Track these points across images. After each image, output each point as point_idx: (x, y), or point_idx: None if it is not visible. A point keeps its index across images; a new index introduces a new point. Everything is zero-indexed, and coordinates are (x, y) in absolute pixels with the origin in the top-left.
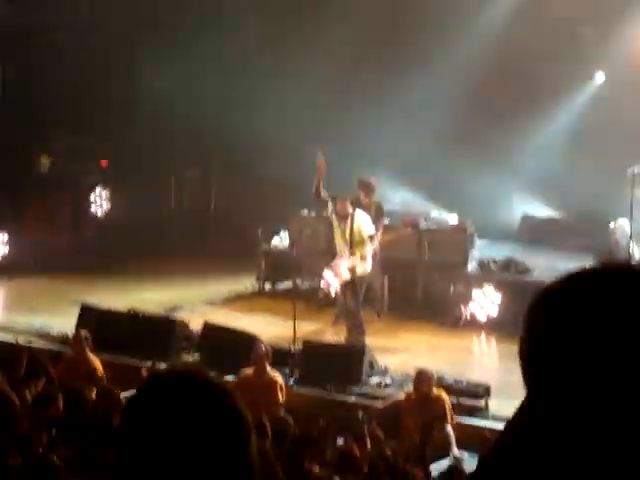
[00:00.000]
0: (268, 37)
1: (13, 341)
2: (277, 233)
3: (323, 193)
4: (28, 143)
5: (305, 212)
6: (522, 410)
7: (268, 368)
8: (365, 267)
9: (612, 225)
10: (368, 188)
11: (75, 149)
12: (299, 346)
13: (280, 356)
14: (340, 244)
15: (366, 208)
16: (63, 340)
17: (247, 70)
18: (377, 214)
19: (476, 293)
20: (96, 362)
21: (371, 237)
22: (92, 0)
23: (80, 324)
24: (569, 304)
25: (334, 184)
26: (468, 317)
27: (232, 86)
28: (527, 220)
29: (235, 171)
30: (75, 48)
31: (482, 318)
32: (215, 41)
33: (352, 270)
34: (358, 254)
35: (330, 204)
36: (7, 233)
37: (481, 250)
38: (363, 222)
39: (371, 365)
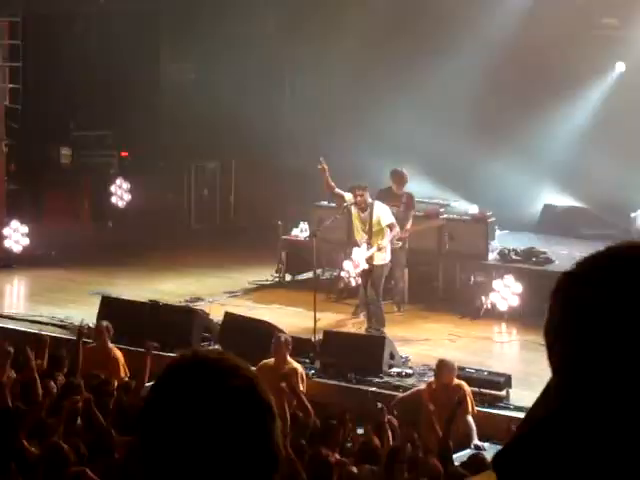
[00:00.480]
0: (287, 28)
1: (36, 331)
2: (297, 224)
3: (336, 190)
4: (48, 134)
5: (325, 203)
6: (547, 394)
7: (288, 358)
8: (384, 257)
9: (633, 215)
10: (401, 179)
11: (95, 140)
12: (320, 336)
13: (301, 346)
14: (359, 234)
15: (397, 199)
16: (85, 331)
17: (267, 64)
18: (408, 205)
19: (497, 283)
20: (117, 353)
21: (390, 226)
22: None
23: (101, 315)
24: (595, 280)
25: (352, 175)
26: (489, 307)
27: (251, 78)
28: (548, 210)
29: (255, 162)
30: (95, 40)
31: (503, 308)
32: (237, 34)
33: (371, 260)
34: (377, 244)
35: (348, 195)
36: (28, 225)
37: (502, 240)
38: (382, 212)
39: (392, 355)
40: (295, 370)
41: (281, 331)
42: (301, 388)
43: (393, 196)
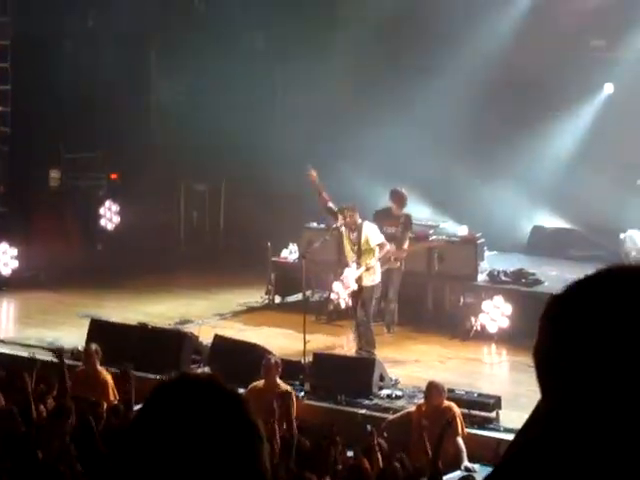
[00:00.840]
0: (279, 50)
1: (24, 354)
2: (286, 246)
3: (329, 204)
4: (38, 157)
5: (314, 224)
6: (536, 415)
7: (278, 380)
8: (373, 278)
9: (622, 236)
10: (401, 200)
11: (84, 163)
12: (310, 358)
13: (291, 368)
14: (349, 255)
15: (396, 219)
16: (74, 354)
17: (257, 83)
18: (405, 225)
19: (486, 305)
20: (107, 376)
21: (380, 245)
22: (103, 15)
23: (90, 338)
24: (584, 304)
25: (345, 197)
26: (478, 329)
27: (241, 98)
28: (537, 231)
29: (244, 184)
30: (84, 61)
31: (493, 330)
32: (226, 54)
33: (360, 281)
34: (365, 264)
35: (340, 215)
36: (17, 247)
37: (491, 262)
38: (370, 232)
39: (381, 377)
40: (285, 392)
41: (271, 353)
42: (291, 411)
43: (391, 216)
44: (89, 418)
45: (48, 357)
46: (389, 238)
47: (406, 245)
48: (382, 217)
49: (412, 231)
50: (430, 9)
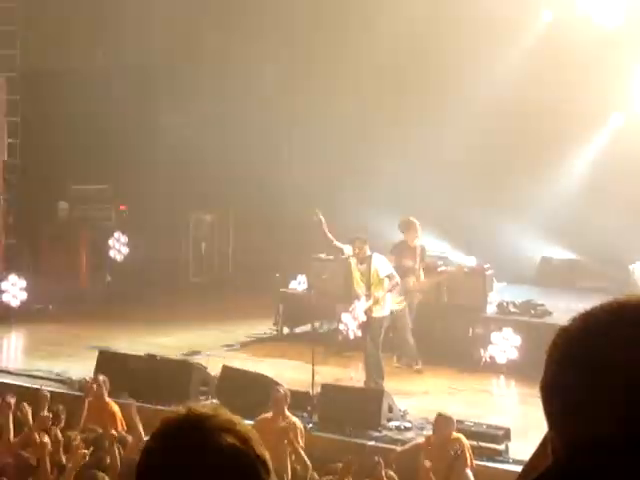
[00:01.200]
0: (288, 84)
1: (33, 386)
2: (295, 277)
3: (334, 242)
4: (46, 188)
5: (323, 255)
6: (544, 448)
7: (287, 412)
8: (383, 309)
9: (631, 268)
10: (414, 230)
11: (93, 194)
12: (318, 390)
13: (299, 400)
14: (358, 287)
15: (413, 251)
16: (82, 385)
17: (265, 116)
18: (421, 257)
19: (495, 336)
20: (114, 407)
21: (389, 277)
22: (112, 48)
23: (98, 369)
24: (588, 339)
25: (354, 229)
26: (488, 360)
27: (250, 130)
28: (546, 263)
29: (253, 215)
30: (92, 94)
31: (502, 361)
32: (232, 88)
33: (369, 312)
34: (375, 296)
35: (347, 248)
36: (26, 279)
37: (500, 293)
38: (380, 264)
39: (390, 409)
40: (293, 424)
41: (279, 385)
42: (300, 442)
43: (408, 249)
44: (100, 449)
45: (56, 388)
46: (408, 271)
47: (422, 277)
48: (399, 250)
49: (423, 262)
50: (439, 41)
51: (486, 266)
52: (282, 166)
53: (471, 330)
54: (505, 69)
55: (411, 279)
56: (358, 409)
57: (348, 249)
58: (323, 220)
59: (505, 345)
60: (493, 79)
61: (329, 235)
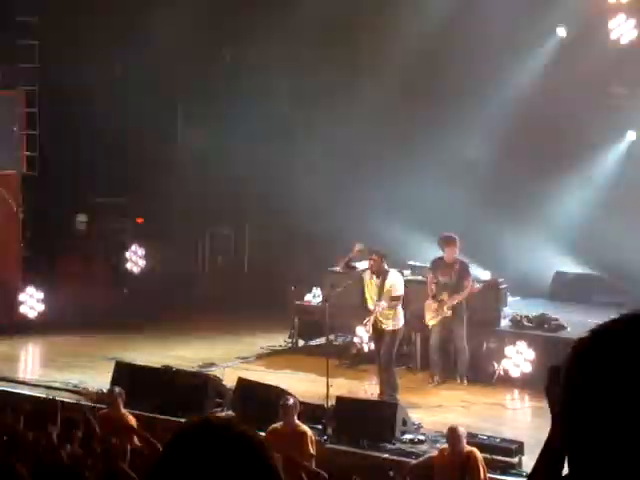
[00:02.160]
0: (300, 95)
1: (49, 397)
2: (310, 289)
3: (352, 264)
4: (64, 201)
5: (337, 268)
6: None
7: (297, 421)
8: (396, 322)
9: None
10: (451, 245)
11: (111, 207)
12: (333, 402)
13: (313, 412)
14: (371, 300)
15: (450, 267)
16: (99, 397)
17: (280, 126)
18: (460, 274)
19: (509, 350)
20: (131, 418)
21: (397, 298)
22: (131, 62)
23: (115, 381)
24: (598, 356)
25: (367, 238)
26: (502, 374)
27: (266, 142)
28: (560, 277)
29: (269, 228)
30: (112, 108)
31: (516, 375)
32: (248, 102)
33: (381, 325)
34: (382, 307)
35: (362, 264)
36: (43, 291)
37: (514, 307)
38: (396, 282)
39: (404, 422)
40: (304, 433)
41: (290, 394)
42: (311, 451)
43: (445, 265)
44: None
45: (72, 399)
46: (442, 287)
47: (464, 293)
48: (436, 266)
49: (472, 278)
50: (452, 57)
51: (500, 280)
52: (298, 179)
53: (485, 344)
54: (517, 85)
55: (444, 295)
56: (372, 422)
57: (363, 264)
58: (357, 251)
59: (519, 359)
60: (507, 94)
61: (351, 264)
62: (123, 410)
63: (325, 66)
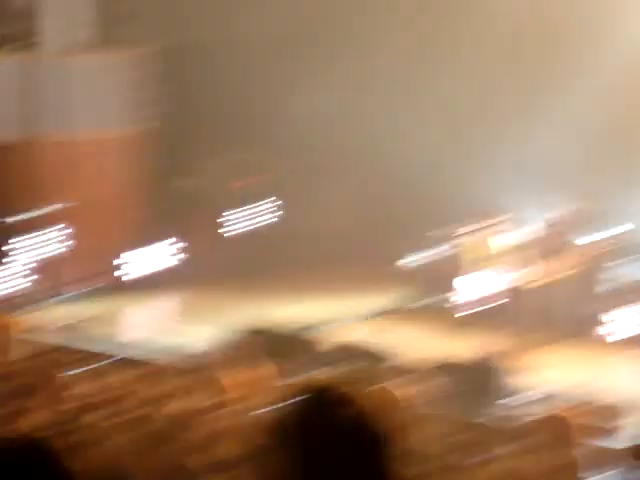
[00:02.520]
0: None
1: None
2: (415, 252)
3: None
4: (185, 159)
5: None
6: None
7: (389, 385)
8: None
9: None
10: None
11: (228, 165)
12: (439, 364)
13: (415, 374)
14: (480, 261)
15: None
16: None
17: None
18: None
19: (619, 311)
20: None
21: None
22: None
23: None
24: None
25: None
26: (610, 337)
27: (373, 105)
28: None
29: (376, 187)
30: (230, 69)
31: (623, 336)
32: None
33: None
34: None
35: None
36: (169, 245)
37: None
38: (497, 240)
39: (504, 385)
40: (395, 397)
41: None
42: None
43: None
44: None
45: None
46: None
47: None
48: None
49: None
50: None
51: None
52: (403, 138)
53: (594, 305)
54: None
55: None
56: (471, 385)
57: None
58: None
59: (630, 320)
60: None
61: None
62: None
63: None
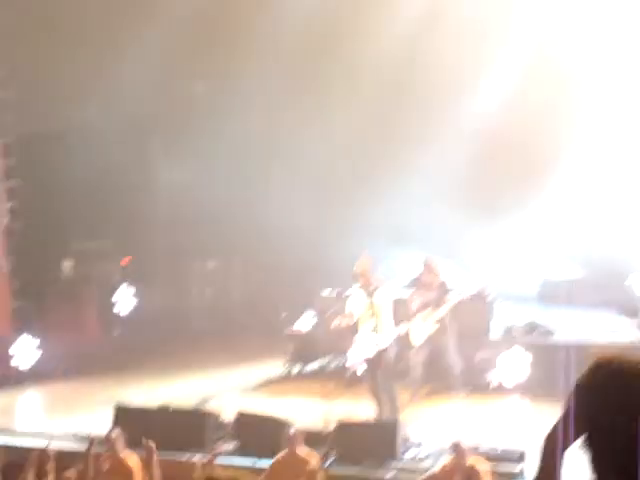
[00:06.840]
0: (273, 124)
1: (47, 445)
2: (301, 315)
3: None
4: (49, 249)
5: (327, 292)
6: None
7: (301, 448)
8: (388, 341)
9: (627, 283)
10: (429, 268)
11: (96, 251)
12: (333, 426)
13: (314, 438)
14: (364, 320)
15: (428, 286)
16: (99, 441)
17: (256, 157)
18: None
19: (502, 359)
20: (132, 460)
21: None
22: (104, 104)
23: (115, 424)
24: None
25: (350, 264)
26: (496, 384)
27: (243, 175)
28: (547, 281)
29: (254, 258)
30: (88, 152)
31: (510, 384)
32: (225, 131)
33: (377, 345)
34: (381, 329)
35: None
36: (36, 339)
37: (503, 315)
38: (385, 297)
39: (406, 439)
40: (309, 462)
41: (291, 424)
42: (317, 479)
43: (422, 284)
44: None
45: (72, 446)
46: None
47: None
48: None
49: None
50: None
51: (487, 289)
52: (281, 206)
53: (477, 355)
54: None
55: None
56: (374, 442)
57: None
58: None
59: (512, 367)
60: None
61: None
62: (124, 452)
63: (298, 93)
